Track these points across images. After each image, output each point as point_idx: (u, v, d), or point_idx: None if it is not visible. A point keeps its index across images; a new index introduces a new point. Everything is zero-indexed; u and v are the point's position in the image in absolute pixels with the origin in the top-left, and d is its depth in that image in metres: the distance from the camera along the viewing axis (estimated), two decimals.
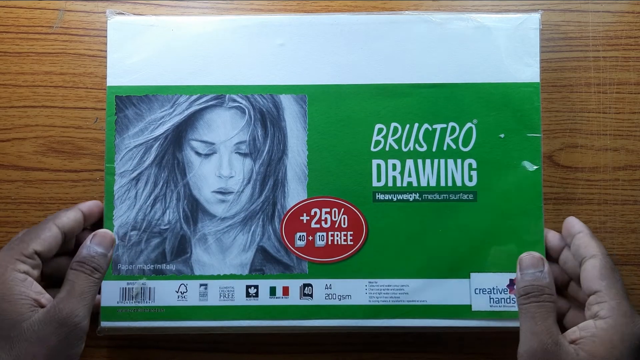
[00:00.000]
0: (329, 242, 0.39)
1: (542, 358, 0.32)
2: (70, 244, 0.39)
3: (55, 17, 0.43)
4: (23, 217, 0.42)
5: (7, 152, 0.42)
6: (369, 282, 0.39)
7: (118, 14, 0.41)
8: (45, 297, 0.34)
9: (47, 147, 0.42)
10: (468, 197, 0.39)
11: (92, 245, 0.36)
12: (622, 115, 0.43)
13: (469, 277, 0.39)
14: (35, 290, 0.34)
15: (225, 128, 0.40)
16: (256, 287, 0.39)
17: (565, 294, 0.39)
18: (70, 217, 0.37)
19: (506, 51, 0.40)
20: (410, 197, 0.40)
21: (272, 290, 0.39)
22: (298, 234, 0.39)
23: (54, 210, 0.41)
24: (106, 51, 0.41)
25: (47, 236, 0.35)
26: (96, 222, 0.40)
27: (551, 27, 0.43)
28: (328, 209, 0.40)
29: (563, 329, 0.35)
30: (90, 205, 0.39)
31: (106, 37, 0.41)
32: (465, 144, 0.40)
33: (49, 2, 0.43)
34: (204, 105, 0.40)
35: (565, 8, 0.44)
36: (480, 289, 0.39)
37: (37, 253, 0.35)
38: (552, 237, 0.39)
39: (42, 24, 0.43)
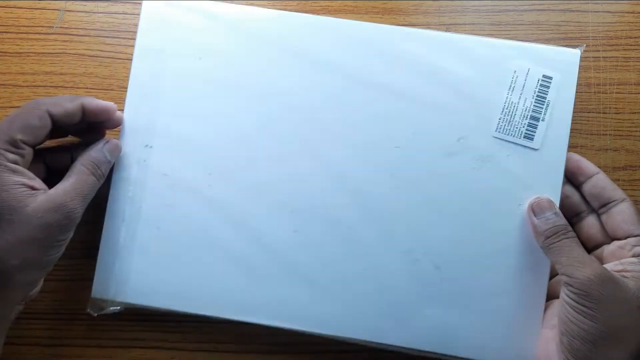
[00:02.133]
0: None
1: (602, 282, 0.33)
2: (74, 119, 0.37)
3: (56, 17, 0.43)
4: None
5: None
6: None
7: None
8: (37, 182, 0.34)
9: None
10: None
11: (105, 152, 0.37)
12: (622, 115, 0.43)
13: None
14: (28, 176, 0.34)
15: None
16: None
17: None
18: (67, 109, 0.36)
19: None
20: None
21: None
22: None
23: None
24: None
25: (35, 125, 0.35)
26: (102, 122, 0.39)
27: (551, 27, 0.43)
28: None
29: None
30: (94, 106, 0.37)
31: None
32: None
33: (49, 2, 0.43)
34: None
35: (565, 8, 0.44)
36: None
37: (25, 142, 0.34)
38: None
39: (42, 24, 0.43)
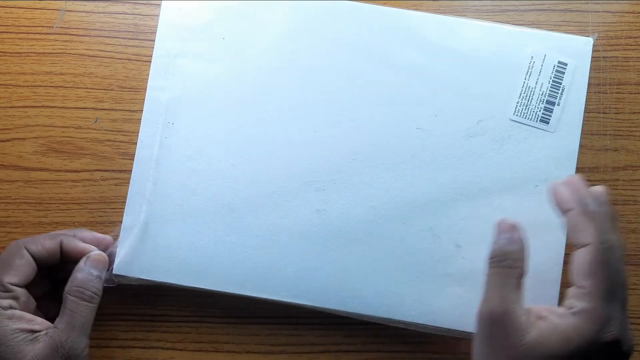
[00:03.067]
0: None
1: (491, 323, 0.31)
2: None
3: (56, 17, 0.43)
4: (23, 217, 0.42)
5: (7, 152, 0.42)
6: None
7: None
8: (37, 322, 0.34)
9: (47, 147, 0.42)
10: None
11: (88, 268, 0.36)
12: (622, 115, 0.43)
13: None
14: (26, 319, 0.33)
15: None
16: None
17: None
18: (46, 247, 0.36)
19: None
20: None
21: None
22: None
23: (54, 211, 0.42)
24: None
25: (19, 264, 0.34)
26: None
27: (551, 27, 0.43)
28: None
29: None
30: (73, 246, 0.37)
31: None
32: None
33: (49, 2, 0.43)
34: None
35: (565, 8, 0.44)
36: None
37: (13, 284, 0.34)
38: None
39: (42, 24, 0.43)
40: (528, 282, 0.39)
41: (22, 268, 0.34)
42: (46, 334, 0.33)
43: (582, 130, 0.40)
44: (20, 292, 0.35)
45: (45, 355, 0.32)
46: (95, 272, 0.36)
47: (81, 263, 0.36)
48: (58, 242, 0.37)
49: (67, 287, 0.35)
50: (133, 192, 0.40)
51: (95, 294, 0.36)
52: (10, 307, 0.33)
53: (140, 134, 0.40)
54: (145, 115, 0.40)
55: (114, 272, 0.39)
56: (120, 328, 0.41)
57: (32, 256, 0.35)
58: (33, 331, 0.33)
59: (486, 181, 0.40)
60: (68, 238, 0.37)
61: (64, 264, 0.37)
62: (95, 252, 0.37)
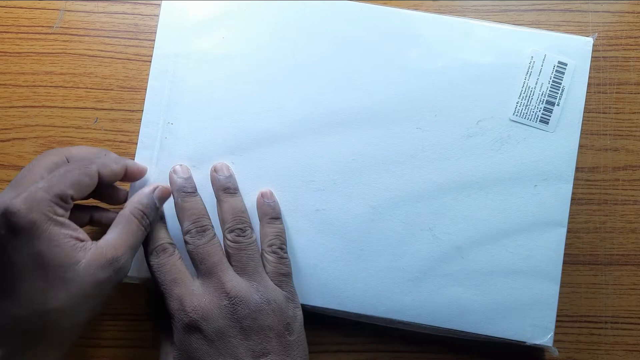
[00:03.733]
0: None
1: None
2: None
3: (56, 17, 0.43)
4: None
5: (7, 152, 0.42)
6: None
7: None
8: (81, 233, 0.33)
9: (47, 147, 0.42)
10: None
11: (155, 198, 0.36)
12: (622, 115, 0.43)
13: None
14: (73, 228, 0.33)
15: None
16: None
17: None
18: (114, 171, 0.36)
19: None
20: None
21: None
22: None
23: None
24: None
25: (87, 184, 0.34)
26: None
27: (551, 27, 0.43)
28: None
29: None
30: (135, 169, 0.38)
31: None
32: None
33: (49, 2, 0.43)
34: None
35: (565, 8, 0.44)
36: None
37: (72, 198, 0.34)
38: None
39: (42, 24, 0.43)
40: (528, 282, 0.39)
41: (86, 188, 0.34)
42: (94, 245, 0.33)
43: (582, 130, 0.40)
44: (71, 205, 0.34)
45: (98, 266, 0.32)
46: (157, 204, 0.37)
47: (148, 189, 0.37)
48: (124, 168, 0.37)
49: (129, 206, 0.35)
50: (133, 192, 0.40)
51: (149, 225, 0.36)
52: (64, 216, 0.33)
53: (140, 134, 0.40)
54: (145, 115, 0.40)
55: None
56: (120, 328, 0.41)
57: (100, 179, 0.35)
58: (80, 239, 0.33)
59: (486, 181, 0.40)
60: (130, 162, 0.38)
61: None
62: (163, 186, 0.37)
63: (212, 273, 0.35)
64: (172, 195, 0.38)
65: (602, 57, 0.43)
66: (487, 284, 0.39)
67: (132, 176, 0.38)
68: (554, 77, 0.40)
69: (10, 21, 0.43)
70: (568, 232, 0.40)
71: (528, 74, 0.40)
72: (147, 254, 0.36)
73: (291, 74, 0.41)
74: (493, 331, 0.39)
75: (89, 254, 0.32)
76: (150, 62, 0.41)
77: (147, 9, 0.43)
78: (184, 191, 0.38)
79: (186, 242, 0.36)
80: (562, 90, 0.40)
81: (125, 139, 0.42)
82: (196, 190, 0.38)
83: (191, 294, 0.34)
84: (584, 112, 0.40)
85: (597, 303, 0.42)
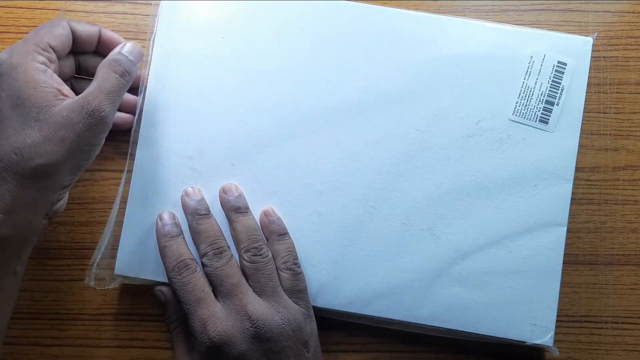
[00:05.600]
0: None
1: None
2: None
3: (56, 17, 0.43)
4: None
5: None
6: None
7: None
8: (65, 88, 0.34)
9: None
10: None
11: (124, 52, 0.36)
12: (622, 115, 0.43)
13: None
14: (56, 80, 0.34)
15: None
16: None
17: None
18: (87, 29, 0.37)
19: None
20: None
21: None
22: None
23: None
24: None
25: (61, 33, 0.35)
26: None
27: (551, 27, 0.43)
28: None
29: None
30: (111, 37, 0.39)
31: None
32: None
33: (49, 2, 0.43)
34: None
35: (565, 8, 0.44)
36: None
37: (52, 47, 0.35)
38: None
39: None
40: (528, 282, 0.39)
41: (61, 38, 0.35)
42: (73, 97, 0.34)
43: (582, 130, 0.40)
44: (54, 58, 0.35)
45: (72, 109, 0.32)
46: (129, 57, 0.36)
47: (117, 48, 0.36)
48: (98, 29, 0.38)
49: (101, 63, 0.36)
50: (133, 192, 0.40)
51: (127, 72, 0.36)
52: (45, 64, 0.34)
53: (140, 134, 0.40)
54: (145, 115, 0.40)
55: (114, 272, 0.39)
56: (120, 328, 0.41)
57: (73, 32, 0.36)
58: (61, 92, 0.34)
59: (485, 181, 0.40)
60: (106, 29, 0.39)
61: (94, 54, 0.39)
62: (131, 42, 0.37)
63: (233, 295, 0.35)
64: (186, 217, 0.39)
65: (602, 57, 0.43)
66: (487, 284, 0.39)
67: (109, 42, 0.38)
68: (553, 77, 0.40)
69: (11, 21, 0.43)
70: (568, 232, 0.40)
71: (527, 74, 0.40)
72: (168, 270, 0.37)
73: (291, 74, 0.41)
74: (493, 331, 0.39)
75: (65, 101, 0.33)
76: (150, 62, 0.41)
77: (147, 9, 0.43)
78: (198, 213, 0.38)
79: (204, 265, 0.37)
80: (562, 90, 0.40)
81: (126, 139, 0.42)
82: (209, 211, 0.39)
83: (214, 317, 0.35)
84: (584, 112, 0.40)
85: (597, 303, 0.42)
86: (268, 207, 0.39)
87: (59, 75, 0.35)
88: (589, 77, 0.41)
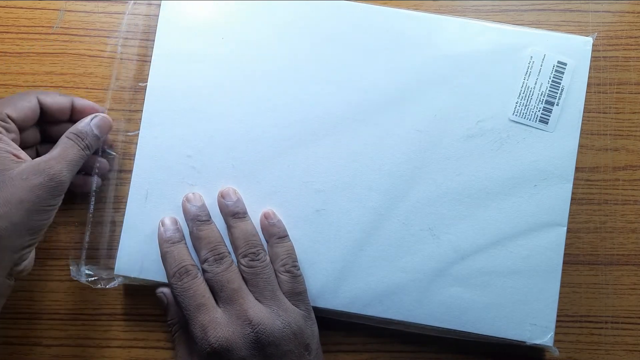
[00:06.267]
0: None
1: None
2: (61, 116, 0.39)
3: (56, 17, 0.43)
4: None
5: None
6: None
7: None
8: (22, 153, 0.35)
9: None
10: None
11: (91, 125, 0.37)
12: (622, 115, 0.43)
13: None
14: (13, 147, 0.34)
15: None
16: None
17: None
18: (57, 101, 0.37)
19: None
20: None
21: None
22: None
23: None
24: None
25: (24, 106, 0.36)
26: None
27: (551, 27, 0.43)
28: None
29: None
30: (85, 105, 0.39)
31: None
32: None
33: (49, 2, 0.43)
34: None
35: (565, 8, 0.44)
36: None
37: (11, 118, 0.35)
38: None
39: (43, 24, 0.43)
40: (528, 282, 0.39)
41: (24, 110, 0.36)
42: (30, 161, 0.34)
43: (582, 130, 0.40)
44: (14, 128, 0.35)
45: (31, 172, 0.33)
46: (95, 130, 0.37)
47: (87, 119, 0.37)
48: (69, 101, 0.38)
49: (66, 132, 0.37)
50: (134, 192, 0.40)
51: (89, 147, 0.37)
52: (1, 133, 0.34)
53: (140, 134, 0.40)
54: (145, 115, 0.40)
55: (115, 272, 0.39)
56: (120, 328, 0.41)
57: (42, 105, 0.37)
58: (18, 157, 0.34)
59: (485, 181, 0.40)
60: (79, 98, 0.39)
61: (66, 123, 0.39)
62: (102, 115, 0.38)
63: (233, 300, 0.35)
64: (187, 223, 0.39)
65: (602, 57, 0.43)
66: (487, 284, 0.39)
67: (82, 110, 0.39)
68: (553, 77, 0.40)
69: (11, 21, 0.43)
70: (568, 232, 0.40)
71: (527, 74, 0.40)
72: (169, 276, 0.37)
73: (291, 74, 0.41)
74: (493, 331, 0.39)
75: (23, 165, 0.33)
76: (150, 62, 0.41)
77: (147, 9, 0.43)
78: (199, 219, 0.38)
79: (205, 271, 0.37)
80: (562, 90, 0.40)
81: (126, 139, 0.42)
82: (210, 217, 0.39)
83: (215, 323, 0.35)
84: (584, 112, 0.40)
85: (597, 303, 0.42)
86: (268, 209, 0.39)
87: (21, 143, 0.36)
88: (589, 77, 0.41)
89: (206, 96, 0.40)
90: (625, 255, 0.42)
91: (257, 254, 0.37)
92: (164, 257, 0.38)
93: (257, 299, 0.36)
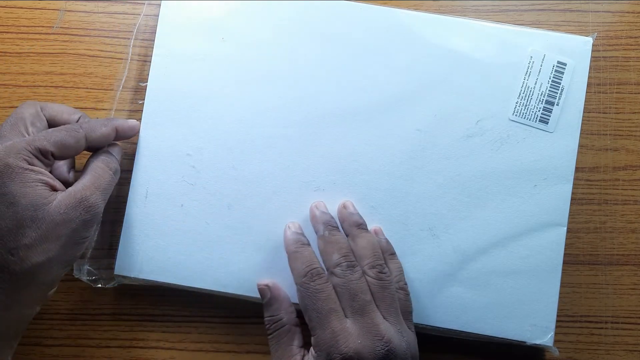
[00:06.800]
0: None
1: None
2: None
3: (56, 17, 0.43)
4: None
5: None
6: None
7: None
8: (57, 183, 0.34)
9: None
10: None
11: (114, 153, 0.38)
12: (622, 115, 0.43)
13: None
14: (48, 176, 0.34)
15: None
16: None
17: None
18: (104, 133, 0.37)
19: None
20: None
21: None
22: None
23: None
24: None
25: (71, 147, 0.35)
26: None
27: (551, 27, 0.43)
28: None
29: None
30: (125, 128, 0.38)
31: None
32: None
33: (49, 2, 0.44)
34: None
35: (565, 8, 0.44)
36: None
37: (54, 156, 0.34)
38: None
39: (43, 24, 0.43)
40: (528, 282, 0.39)
41: (70, 150, 0.35)
42: (65, 191, 0.34)
43: (582, 130, 0.40)
44: (51, 163, 0.35)
45: (68, 205, 0.33)
46: (116, 157, 0.38)
47: (106, 147, 0.38)
48: (113, 129, 0.38)
49: (93, 157, 0.37)
50: (133, 192, 0.40)
51: (117, 173, 0.37)
52: (38, 166, 0.34)
53: (140, 134, 0.40)
54: (145, 115, 0.40)
55: (114, 272, 0.39)
56: (120, 328, 0.41)
57: (90, 142, 0.36)
58: (54, 188, 0.34)
59: (485, 181, 0.40)
60: (119, 121, 0.38)
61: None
62: (117, 142, 0.39)
63: (365, 312, 0.34)
64: (316, 228, 0.38)
65: (602, 57, 0.43)
66: (487, 284, 0.39)
67: (124, 134, 0.39)
68: (553, 77, 0.40)
69: (11, 21, 0.43)
70: (568, 232, 0.40)
71: (527, 74, 0.41)
72: (299, 275, 0.36)
73: (291, 74, 0.41)
74: (493, 331, 0.39)
75: (59, 196, 0.33)
76: (150, 62, 0.41)
77: (147, 9, 0.43)
78: (331, 224, 0.38)
79: (335, 275, 0.35)
80: (562, 90, 0.40)
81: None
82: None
83: (346, 332, 0.33)
84: (584, 112, 0.40)
85: (597, 303, 0.42)
86: (377, 226, 0.39)
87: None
88: (589, 77, 0.41)
89: (206, 96, 0.40)
90: (625, 255, 0.42)
91: (384, 267, 0.36)
92: (293, 256, 0.37)
93: (383, 315, 0.35)
